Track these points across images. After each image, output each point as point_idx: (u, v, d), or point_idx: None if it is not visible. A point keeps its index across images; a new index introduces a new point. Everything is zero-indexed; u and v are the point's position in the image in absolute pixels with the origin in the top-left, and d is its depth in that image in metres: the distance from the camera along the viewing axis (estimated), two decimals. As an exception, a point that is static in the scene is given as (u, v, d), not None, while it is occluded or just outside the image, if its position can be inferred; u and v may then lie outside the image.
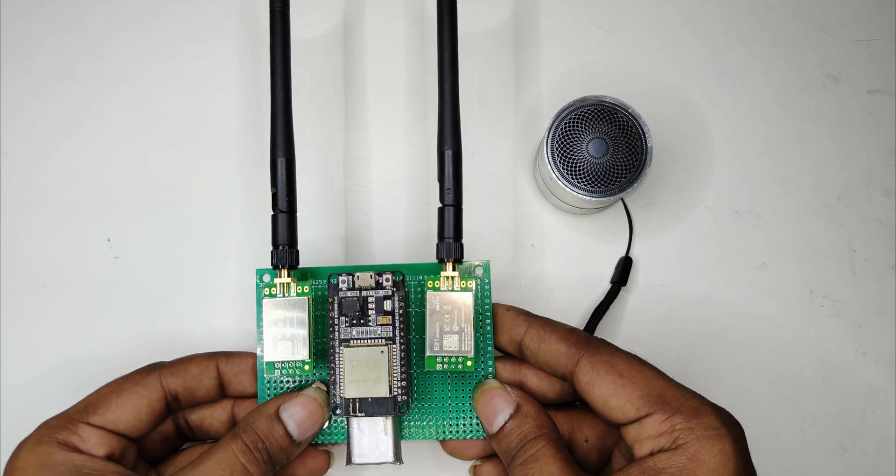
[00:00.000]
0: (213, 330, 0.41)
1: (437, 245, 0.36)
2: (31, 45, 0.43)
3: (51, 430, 0.33)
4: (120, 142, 0.43)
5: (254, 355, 0.37)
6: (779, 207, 0.43)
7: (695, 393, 0.33)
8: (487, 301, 0.37)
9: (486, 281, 0.37)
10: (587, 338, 0.35)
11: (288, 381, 0.37)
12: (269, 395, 0.37)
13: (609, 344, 0.35)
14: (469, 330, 0.35)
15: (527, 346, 0.36)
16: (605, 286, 0.42)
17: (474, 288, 0.36)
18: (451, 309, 0.35)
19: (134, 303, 0.41)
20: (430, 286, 0.36)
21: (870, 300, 0.42)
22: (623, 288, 0.42)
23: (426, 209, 0.42)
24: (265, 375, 0.36)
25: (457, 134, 0.36)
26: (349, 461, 0.36)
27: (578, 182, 0.37)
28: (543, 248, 0.42)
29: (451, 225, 0.35)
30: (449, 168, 0.35)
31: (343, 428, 0.37)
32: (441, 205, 0.36)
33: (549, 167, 0.37)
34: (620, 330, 0.41)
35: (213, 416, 0.37)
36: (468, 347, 0.35)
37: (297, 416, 0.34)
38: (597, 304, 0.41)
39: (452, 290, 0.36)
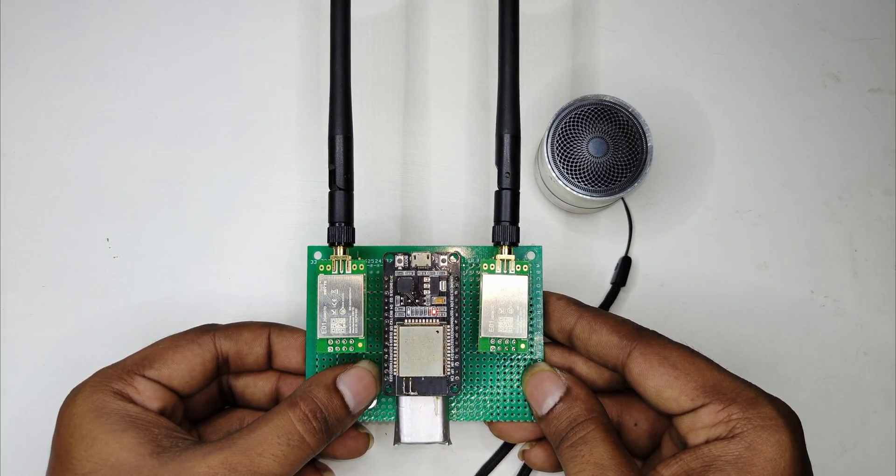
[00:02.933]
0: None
1: (494, 228, 0.36)
2: (30, 45, 0.43)
3: (107, 380, 0.33)
4: (119, 141, 0.43)
5: (304, 332, 0.37)
6: (779, 207, 0.43)
7: (750, 383, 0.33)
8: (539, 285, 0.37)
9: (538, 265, 0.37)
10: (639, 329, 0.35)
11: (337, 359, 0.37)
12: (316, 372, 0.37)
13: (661, 335, 0.35)
14: (523, 313, 0.35)
15: (577, 337, 0.36)
16: (606, 286, 0.42)
17: (528, 271, 0.36)
18: (505, 292, 0.35)
19: (133, 303, 0.41)
20: (485, 269, 0.36)
21: (870, 300, 0.42)
22: (623, 288, 0.42)
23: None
24: (316, 353, 0.36)
25: (516, 118, 0.36)
26: (397, 440, 0.36)
27: (578, 182, 0.37)
28: (543, 248, 0.42)
29: (507, 208, 0.35)
30: (507, 152, 0.35)
31: (388, 408, 0.37)
32: (498, 188, 0.36)
33: (549, 167, 0.37)
34: (621, 329, 0.41)
35: (256, 386, 0.37)
36: (521, 331, 0.35)
37: (353, 386, 0.35)
38: (597, 305, 0.41)
39: (508, 273, 0.36)
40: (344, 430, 0.35)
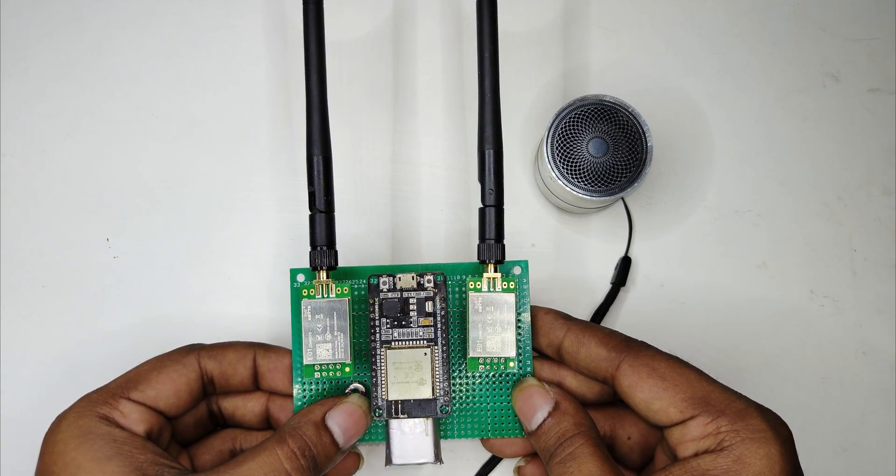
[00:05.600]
0: (212, 330, 0.41)
1: (479, 246, 0.35)
2: (30, 45, 0.43)
3: (92, 404, 0.33)
4: (119, 141, 0.43)
5: (290, 352, 0.36)
6: (779, 207, 0.43)
7: (740, 395, 0.32)
8: (526, 300, 0.37)
9: (525, 280, 0.37)
10: (627, 341, 0.34)
11: (324, 383, 0.36)
12: (304, 398, 0.36)
13: (650, 346, 0.34)
14: (511, 331, 0.35)
15: (566, 351, 0.35)
16: (606, 286, 0.42)
17: (515, 287, 0.35)
18: (493, 310, 0.35)
19: (133, 303, 0.41)
20: (471, 287, 0.35)
21: (870, 300, 0.42)
22: (623, 288, 0.42)
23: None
24: (302, 379, 0.36)
25: (498, 133, 0.35)
26: (389, 462, 0.36)
27: (578, 182, 0.37)
28: (543, 248, 0.42)
29: (492, 226, 0.35)
30: (490, 168, 0.35)
31: (378, 430, 0.37)
32: (482, 205, 0.35)
33: (549, 167, 0.37)
34: (620, 330, 0.41)
35: (245, 407, 0.37)
36: (510, 348, 0.35)
37: (343, 423, 0.34)
38: (597, 305, 0.41)
39: (494, 290, 0.35)
40: (333, 466, 0.34)
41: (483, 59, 0.35)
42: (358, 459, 0.37)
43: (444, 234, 0.42)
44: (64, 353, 0.41)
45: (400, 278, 0.36)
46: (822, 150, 0.43)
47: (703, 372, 0.33)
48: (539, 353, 0.37)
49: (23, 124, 0.43)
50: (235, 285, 0.42)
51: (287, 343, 0.37)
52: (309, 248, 0.36)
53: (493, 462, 0.40)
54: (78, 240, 0.42)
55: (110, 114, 0.43)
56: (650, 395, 0.33)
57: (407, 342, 0.36)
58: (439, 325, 0.36)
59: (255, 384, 0.36)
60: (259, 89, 0.43)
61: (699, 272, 0.42)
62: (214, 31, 0.43)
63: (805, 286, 0.42)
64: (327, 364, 0.35)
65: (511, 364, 0.35)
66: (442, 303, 0.36)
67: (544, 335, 0.36)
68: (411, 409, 0.36)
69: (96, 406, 0.33)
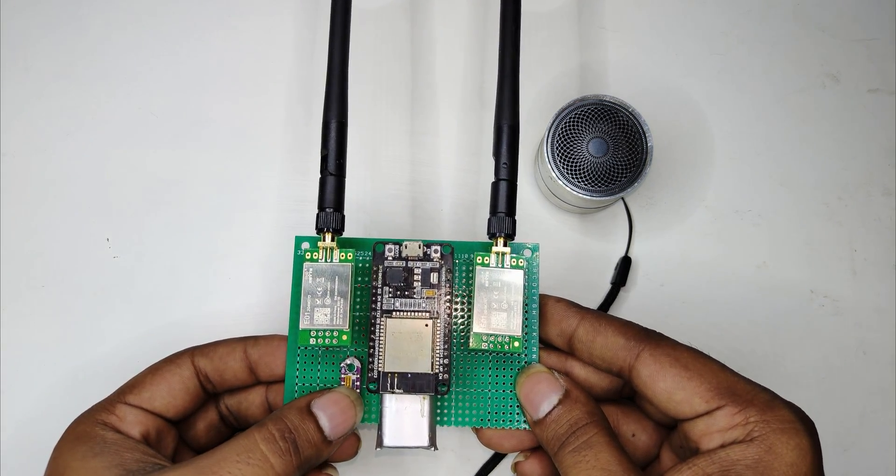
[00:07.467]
0: (212, 330, 0.41)
1: (489, 220, 0.34)
2: (30, 45, 0.43)
3: (93, 412, 0.34)
4: (119, 141, 0.43)
5: (283, 337, 0.35)
6: (779, 207, 0.43)
7: (763, 387, 0.32)
8: (535, 285, 0.36)
9: (535, 264, 0.36)
10: (646, 331, 0.34)
11: (319, 357, 0.35)
12: (297, 369, 0.35)
13: (669, 337, 0.34)
14: (518, 309, 0.34)
15: (580, 339, 0.34)
16: (606, 286, 0.42)
17: (525, 266, 0.35)
18: (500, 286, 0.34)
19: (132, 303, 0.41)
20: (479, 262, 0.34)
21: (870, 300, 0.42)
22: (623, 288, 0.42)
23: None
24: (297, 346, 0.35)
25: (515, 108, 0.35)
26: (380, 444, 0.34)
27: (578, 181, 0.37)
28: (543, 248, 0.42)
29: (504, 199, 0.34)
30: (505, 142, 0.34)
31: (372, 409, 0.35)
32: (495, 179, 0.34)
33: (550, 166, 0.37)
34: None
35: (248, 401, 0.37)
36: (516, 327, 0.34)
37: (328, 409, 0.33)
38: (597, 305, 0.41)
39: (503, 266, 0.34)
40: (322, 459, 0.33)
41: (504, 37, 0.35)
42: (356, 442, 0.37)
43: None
44: (63, 353, 0.41)
45: (406, 247, 0.35)
46: (822, 151, 0.43)
47: (724, 364, 0.33)
48: (545, 345, 0.36)
49: (23, 124, 0.43)
50: (235, 285, 0.42)
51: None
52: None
53: (491, 464, 0.40)
54: (77, 239, 0.42)
55: (110, 114, 0.43)
56: (673, 384, 0.32)
57: (409, 313, 0.35)
58: (443, 298, 0.35)
59: (254, 378, 0.36)
60: (260, 89, 0.43)
61: (699, 272, 0.42)
62: (214, 31, 0.43)
63: (805, 286, 0.42)
64: (324, 330, 0.34)
65: (516, 343, 0.34)
66: (447, 275, 0.35)
67: (556, 323, 0.35)
68: (407, 383, 0.34)
69: (97, 412, 0.33)
